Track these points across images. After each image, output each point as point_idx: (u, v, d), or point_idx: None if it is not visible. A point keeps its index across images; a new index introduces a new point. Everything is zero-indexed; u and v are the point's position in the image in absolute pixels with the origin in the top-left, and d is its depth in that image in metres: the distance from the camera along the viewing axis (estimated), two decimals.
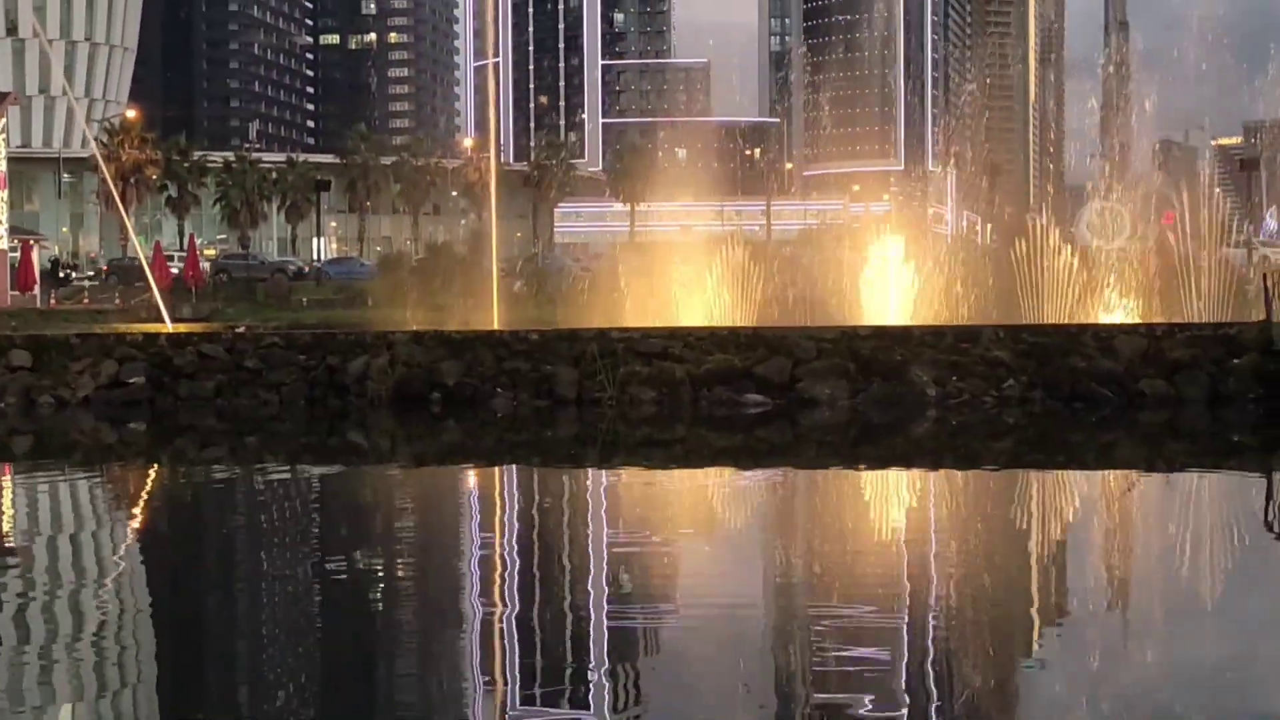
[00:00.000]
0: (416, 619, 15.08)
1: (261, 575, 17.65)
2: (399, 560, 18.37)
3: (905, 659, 12.98)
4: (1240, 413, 32.35)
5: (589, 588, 16.40)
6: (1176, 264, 41.98)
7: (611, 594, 15.82)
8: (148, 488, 26.11)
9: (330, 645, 14.09)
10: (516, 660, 13.07)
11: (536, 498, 24.34)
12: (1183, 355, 33.75)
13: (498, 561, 18.24)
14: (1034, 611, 15.04)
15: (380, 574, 17.42)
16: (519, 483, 26.04)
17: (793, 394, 34.08)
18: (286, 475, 27.37)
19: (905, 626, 14.20)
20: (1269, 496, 23.29)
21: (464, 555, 19.19)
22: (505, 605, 15.40)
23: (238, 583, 17.35)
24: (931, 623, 14.40)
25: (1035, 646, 13.65)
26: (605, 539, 19.78)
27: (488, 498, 24.57)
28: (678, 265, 45.90)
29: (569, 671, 12.71)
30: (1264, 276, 35.43)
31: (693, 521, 21.34)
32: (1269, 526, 20.24)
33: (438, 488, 25.93)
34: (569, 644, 13.71)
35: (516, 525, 21.30)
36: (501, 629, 14.22)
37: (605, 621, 14.40)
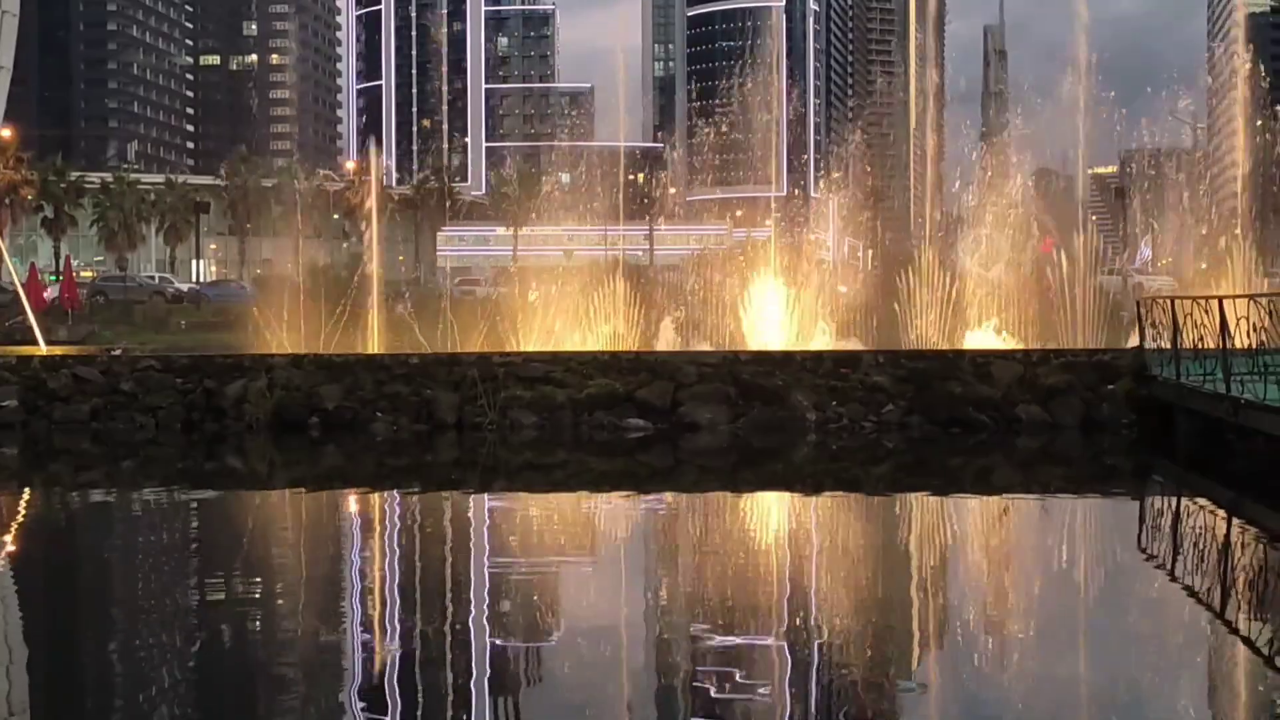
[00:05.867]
0: (282, 645, 14.91)
1: (126, 603, 17.39)
2: (265, 587, 18.16)
3: (778, 682, 13.01)
4: (1114, 438, 32.80)
5: (460, 614, 16.29)
6: (1054, 290, 42.51)
7: (482, 620, 15.73)
8: (16, 514, 25.64)
9: (185, 674, 13.92)
10: (393, 691, 12.96)
11: (413, 523, 24.16)
12: (1058, 381, 34.19)
13: (366, 590, 18.10)
14: (905, 634, 15.16)
15: (244, 602, 17.21)
16: (397, 508, 25.83)
17: (674, 418, 34.16)
18: (161, 501, 26.97)
19: (779, 649, 14.24)
20: (1140, 520, 23.66)
21: (335, 582, 19.01)
22: (374, 634, 15.30)
23: (99, 611, 17.08)
24: (800, 646, 14.46)
25: (908, 668, 13.74)
26: (483, 564, 19.70)
27: (365, 523, 24.36)
28: (560, 289, 45.78)
29: (445, 699, 12.63)
30: (1137, 303, 35.94)
31: (568, 546, 21.27)
32: (1140, 549, 20.56)
33: (313, 513, 25.65)
34: (441, 670, 13.63)
35: (388, 551, 21.14)
36: (368, 659, 14.13)
37: (484, 648, 14.32)
